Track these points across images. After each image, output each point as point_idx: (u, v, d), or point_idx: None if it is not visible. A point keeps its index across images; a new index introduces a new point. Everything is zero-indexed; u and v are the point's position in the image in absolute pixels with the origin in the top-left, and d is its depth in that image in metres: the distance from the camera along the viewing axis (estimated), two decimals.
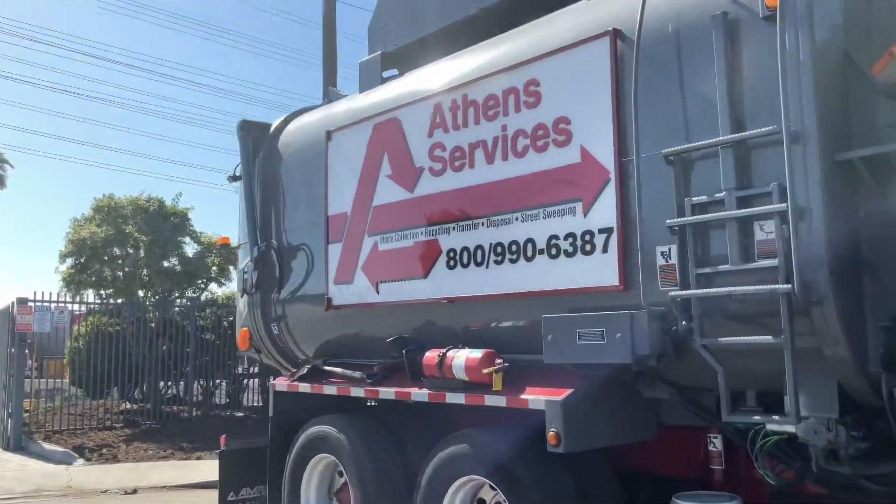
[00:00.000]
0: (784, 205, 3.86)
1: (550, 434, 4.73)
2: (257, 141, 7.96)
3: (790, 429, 4.06)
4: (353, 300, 6.59)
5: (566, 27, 5.25)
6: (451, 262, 5.72)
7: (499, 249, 5.39)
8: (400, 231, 6.16)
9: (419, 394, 5.77)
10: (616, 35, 4.77)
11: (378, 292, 6.35)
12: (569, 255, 4.94)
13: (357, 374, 6.44)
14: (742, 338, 4.08)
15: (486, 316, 5.60)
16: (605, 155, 4.76)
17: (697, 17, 4.40)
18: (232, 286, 19.06)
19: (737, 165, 4.11)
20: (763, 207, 3.97)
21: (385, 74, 7.11)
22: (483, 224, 5.52)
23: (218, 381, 18.01)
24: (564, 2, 5.57)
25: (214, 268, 19.64)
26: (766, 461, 4.37)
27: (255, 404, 18.35)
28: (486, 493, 5.39)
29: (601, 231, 4.77)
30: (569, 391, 4.83)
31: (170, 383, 17.33)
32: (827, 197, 3.78)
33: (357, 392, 6.33)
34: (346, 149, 6.78)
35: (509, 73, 5.41)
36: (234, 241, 8.52)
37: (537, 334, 5.09)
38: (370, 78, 7.06)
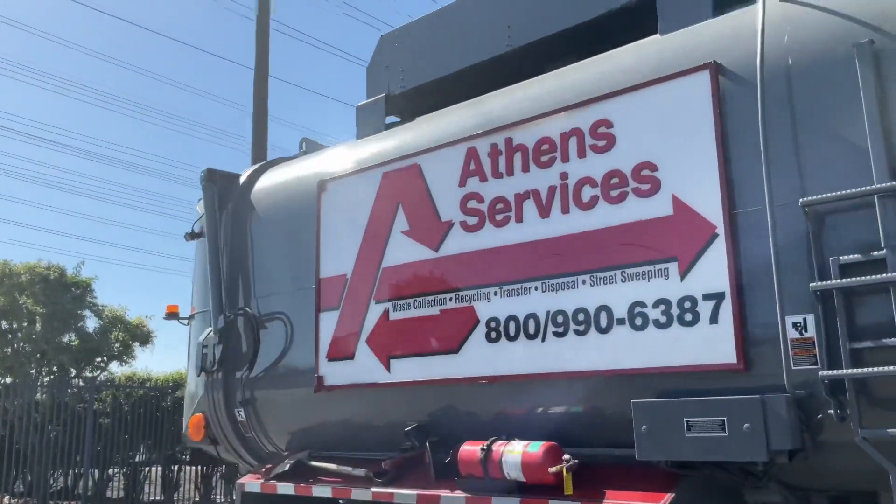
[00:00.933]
0: None
1: None
2: (224, 193, 6.85)
3: None
4: (353, 380, 5.49)
5: (640, 61, 4.54)
6: (493, 335, 4.77)
7: (559, 319, 4.49)
8: (421, 297, 5.18)
9: (452, 498, 4.69)
10: (717, 69, 4.08)
11: (389, 370, 5.29)
12: (660, 325, 4.10)
13: (360, 471, 5.28)
14: None
15: (539, 400, 4.65)
16: (709, 206, 4.00)
17: (828, 47, 3.76)
18: (136, 364, 17.26)
19: None
20: None
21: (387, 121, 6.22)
22: (537, 289, 4.62)
23: (115, 470, 15.99)
24: (597, 48, 4.93)
25: (118, 344, 17.76)
26: None
27: (157, 499, 16.34)
28: None
29: (707, 297, 3.95)
30: (668, 496, 3.91)
31: (59, 474, 15.22)
32: None
33: (362, 495, 5.17)
34: (346, 200, 5.79)
35: (570, 114, 4.64)
36: (183, 311, 7.24)
37: (614, 423, 4.22)
38: (371, 123, 6.14)
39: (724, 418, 3.71)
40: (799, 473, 3.81)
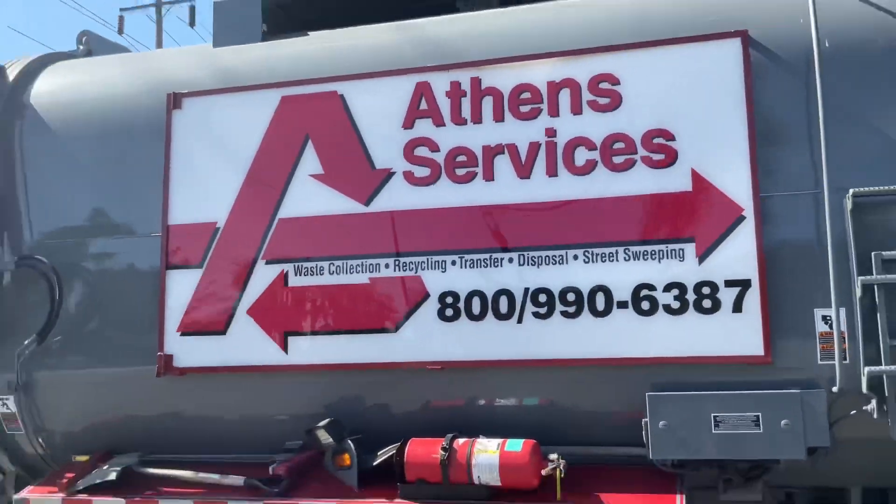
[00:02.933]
0: None
1: None
2: None
3: None
4: (225, 360, 4.23)
5: (660, 11, 4.07)
6: (449, 312, 3.96)
7: (542, 298, 3.86)
8: (341, 260, 4.13)
9: None
10: (748, 39, 3.80)
11: (286, 349, 4.15)
12: (673, 312, 3.71)
13: (234, 479, 4.06)
14: None
15: (510, 391, 3.97)
16: (736, 186, 3.71)
17: (867, 38, 3.71)
18: None
19: None
20: None
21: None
22: (512, 261, 3.93)
23: None
24: None
25: None
26: None
27: None
28: None
29: (730, 284, 3.66)
30: (677, 497, 3.56)
31: None
32: None
33: None
34: (217, 125, 4.44)
35: (563, 61, 4.02)
36: None
37: (606, 418, 3.76)
38: (241, 27, 4.74)
39: (759, 414, 3.47)
40: (797, 472, 3.70)
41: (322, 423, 3.98)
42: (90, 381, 4.46)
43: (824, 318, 3.57)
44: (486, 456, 3.68)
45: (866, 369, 3.41)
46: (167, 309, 4.31)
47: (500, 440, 3.71)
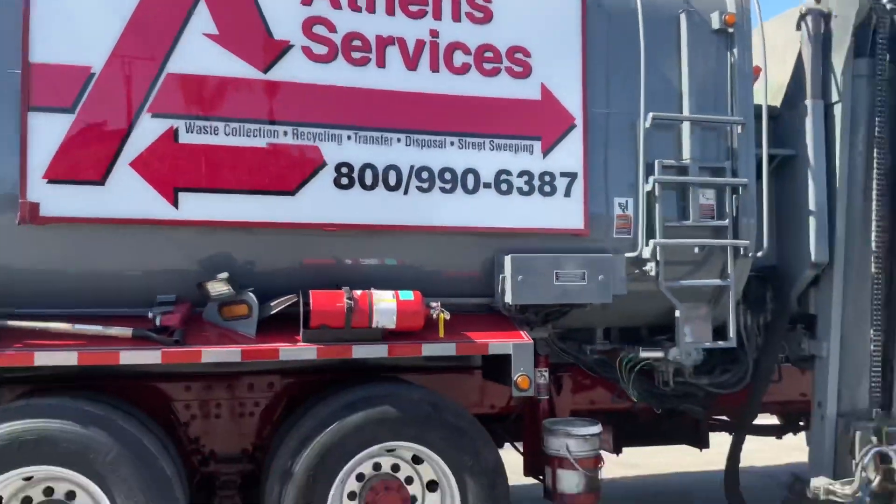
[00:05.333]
0: (737, 179, 5.01)
1: (521, 378, 4.47)
2: None
3: (674, 354, 5.09)
4: (105, 212, 4.06)
5: None
6: (345, 181, 4.40)
7: (424, 175, 4.54)
8: (238, 122, 4.26)
9: (298, 351, 4.19)
10: None
11: (176, 205, 4.16)
12: (524, 193, 4.70)
13: (120, 329, 3.99)
14: (698, 280, 4.99)
15: (395, 251, 4.56)
16: (571, 101, 4.81)
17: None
18: None
19: (702, 140, 5.01)
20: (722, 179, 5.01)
21: None
22: (400, 141, 4.52)
23: None
24: None
25: None
26: (633, 382, 5.21)
27: None
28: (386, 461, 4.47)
29: (563, 175, 4.78)
30: (522, 332, 4.64)
31: None
32: (759, 176, 5.12)
33: (143, 358, 3.95)
34: None
35: None
36: None
37: (470, 274, 4.69)
38: None
39: (585, 271, 4.67)
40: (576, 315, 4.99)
41: (221, 275, 4.14)
42: None
43: (620, 204, 4.90)
44: (386, 304, 4.29)
45: (650, 241, 4.83)
46: (30, 152, 3.95)
47: (392, 291, 4.34)
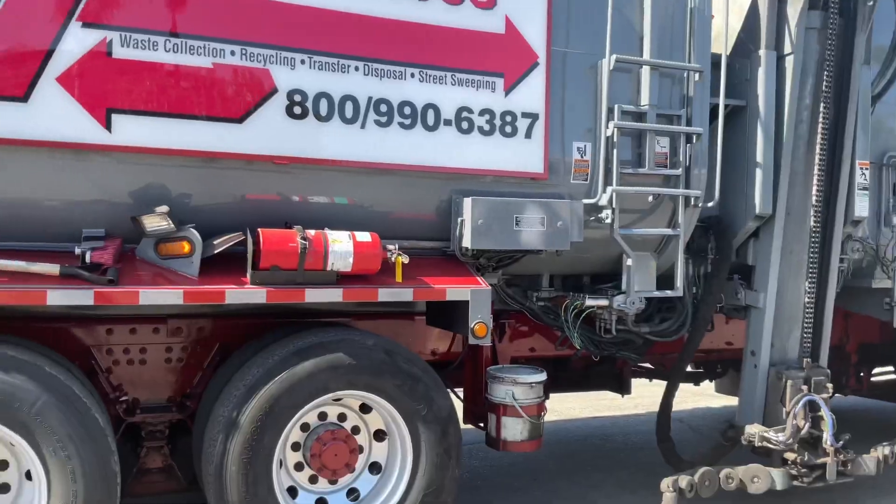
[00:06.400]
0: (692, 128, 4.96)
1: (479, 326, 4.33)
2: None
3: (619, 301, 5.06)
4: (27, 133, 3.57)
5: None
6: (298, 109, 4.04)
7: (383, 108, 4.24)
8: (178, 38, 3.81)
9: (246, 293, 3.86)
10: None
11: (109, 128, 3.70)
12: (484, 133, 4.47)
13: (46, 266, 3.55)
14: (651, 229, 4.94)
15: (343, 189, 4.24)
16: (535, 37, 4.58)
17: None
18: None
19: (660, 87, 4.90)
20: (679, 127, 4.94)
21: None
22: (358, 69, 4.18)
23: None
24: None
25: None
26: (576, 329, 5.16)
27: None
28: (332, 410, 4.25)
29: (525, 115, 4.57)
30: (477, 278, 4.48)
31: None
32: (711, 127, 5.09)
33: (74, 298, 3.53)
34: None
35: None
36: None
37: (425, 216, 4.46)
38: None
39: (544, 216, 4.52)
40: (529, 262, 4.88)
41: (160, 208, 3.74)
42: None
43: (578, 149, 4.76)
44: (341, 245, 4.01)
45: (607, 188, 4.72)
46: None
47: (347, 232, 4.06)
